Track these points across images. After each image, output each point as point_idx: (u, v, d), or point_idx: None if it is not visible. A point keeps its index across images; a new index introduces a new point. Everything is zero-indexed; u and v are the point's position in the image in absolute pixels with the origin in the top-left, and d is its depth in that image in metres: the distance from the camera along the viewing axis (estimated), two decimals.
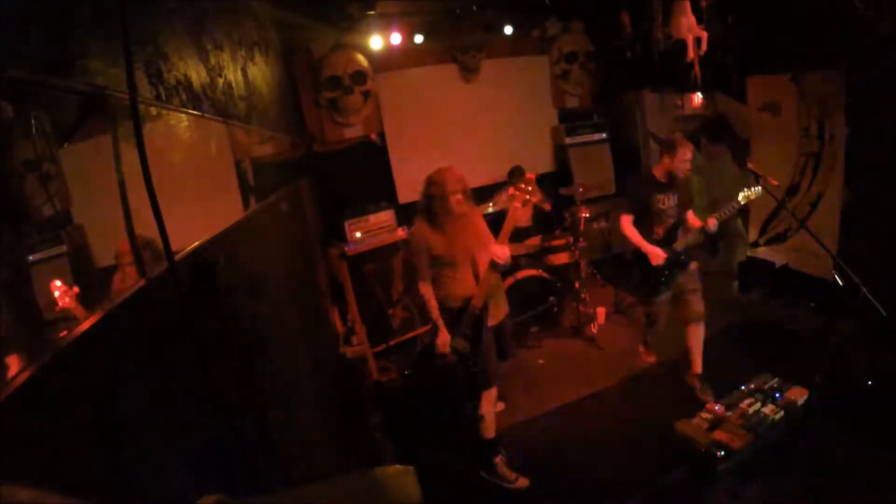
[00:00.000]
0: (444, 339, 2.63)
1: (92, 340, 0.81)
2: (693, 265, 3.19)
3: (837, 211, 3.76)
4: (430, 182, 2.65)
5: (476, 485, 2.74)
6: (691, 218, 3.17)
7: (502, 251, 2.53)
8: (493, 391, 2.74)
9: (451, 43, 4.86)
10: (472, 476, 2.78)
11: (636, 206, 3.17)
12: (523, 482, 2.70)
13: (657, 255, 3.07)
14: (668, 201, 3.12)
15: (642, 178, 3.35)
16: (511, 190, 2.61)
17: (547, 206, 4.83)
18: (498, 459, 2.75)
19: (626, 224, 3.17)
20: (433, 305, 2.65)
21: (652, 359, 3.67)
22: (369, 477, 0.75)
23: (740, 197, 2.99)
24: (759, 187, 2.89)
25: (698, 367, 3.26)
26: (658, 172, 3.16)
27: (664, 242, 3.13)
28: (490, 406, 2.72)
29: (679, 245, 3.12)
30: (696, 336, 3.22)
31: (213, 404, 1.13)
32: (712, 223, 3.02)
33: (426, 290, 2.66)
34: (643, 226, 3.16)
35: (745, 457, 2.59)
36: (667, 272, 3.14)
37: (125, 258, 1.08)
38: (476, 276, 2.66)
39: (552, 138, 5.60)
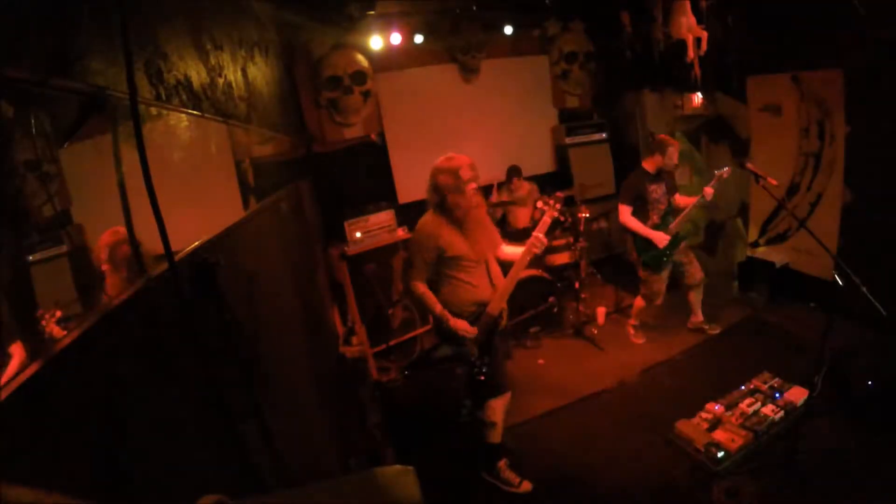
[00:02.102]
0: (461, 324, 2.36)
1: (92, 340, 0.81)
2: (683, 243, 3.69)
3: (837, 211, 3.76)
4: (441, 171, 2.35)
5: (476, 485, 2.74)
6: (680, 199, 3.65)
7: (541, 239, 2.35)
8: (507, 397, 2.63)
9: (451, 43, 4.87)
10: (473, 476, 2.78)
11: (633, 197, 3.59)
12: (526, 486, 2.65)
13: (661, 238, 3.51)
14: (658, 190, 3.59)
15: (636, 172, 3.66)
16: (539, 203, 2.50)
17: (561, 218, 4.85)
18: (502, 463, 2.71)
19: (626, 214, 3.61)
20: (433, 299, 2.39)
21: (641, 340, 4.01)
22: (369, 477, 0.75)
23: (724, 169, 3.36)
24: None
25: (699, 316, 3.95)
26: (649, 166, 3.60)
27: (661, 226, 3.56)
28: (501, 414, 2.62)
29: (674, 227, 3.55)
30: (697, 296, 3.88)
31: (213, 404, 1.13)
32: (709, 192, 3.39)
33: (423, 287, 2.39)
34: (640, 214, 3.60)
35: (745, 457, 2.59)
36: (668, 252, 3.59)
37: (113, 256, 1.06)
38: (489, 279, 2.49)
39: (552, 138, 5.60)
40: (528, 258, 2.41)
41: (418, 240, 2.41)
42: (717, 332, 3.91)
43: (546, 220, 2.40)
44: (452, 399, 3.14)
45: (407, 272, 2.47)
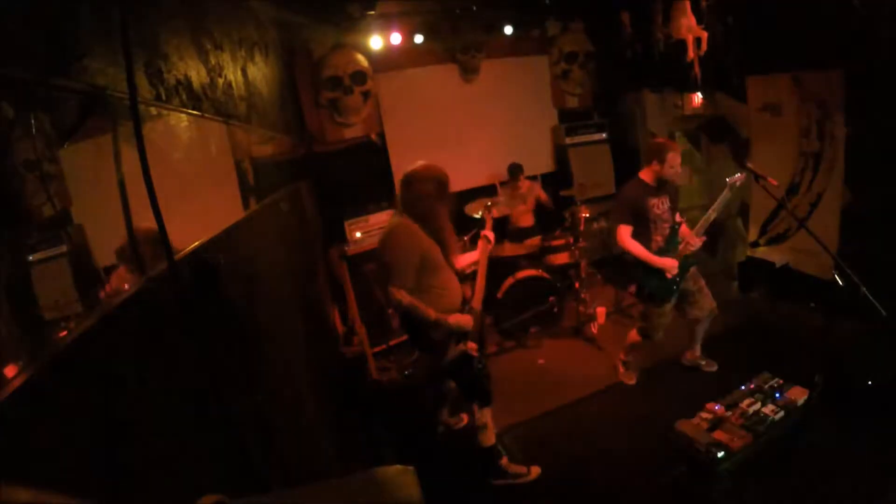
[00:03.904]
0: (465, 319, 2.39)
1: (92, 340, 0.81)
2: (693, 268, 3.17)
3: (837, 211, 3.76)
4: (421, 179, 2.39)
5: (476, 484, 2.74)
6: (689, 235, 3.05)
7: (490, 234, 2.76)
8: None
9: (451, 43, 4.86)
10: (473, 476, 2.78)
11: (631, 214, 3.02)
12: (536, 470, 2.70)
13: (671, 265, 2.97)
14: (662, 205, 3.02)
15: (632, 183, 3.08)
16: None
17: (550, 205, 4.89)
18: (504, 461, 2.72)
19: (626, 237, 3.01)
20: (423, 305, 2.33)
21: (633, 381, 3.49)
22: (369, 477, 0.75)
23: (714, 205, 2.94)
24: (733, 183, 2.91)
25: (697, 351, 3.49)
26: (647, 177, 3.03)
27: (666, 250, 3.03)
28: (490, 414, 2.66)
29: (687, 252, 3.02)
30: (702, 329, 3.39)
31: (214, 404, 1.13)
32: (698, 242, 2.99)
33: (409, 296, 2.31)
34: (640, 235, 3.02)
35: (745, 457, 2.59)
36: (678, 280, 3.05)
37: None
38: (458, 280, 2.55)
39: (552, 138, 5.60)
40: (487, 256, 2.71)
41: (401, 245, 2.34)
42: (714, 369, 3.42)
43: (488, 221, 2.91)
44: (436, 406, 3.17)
45: (388, 280, 2.37)
